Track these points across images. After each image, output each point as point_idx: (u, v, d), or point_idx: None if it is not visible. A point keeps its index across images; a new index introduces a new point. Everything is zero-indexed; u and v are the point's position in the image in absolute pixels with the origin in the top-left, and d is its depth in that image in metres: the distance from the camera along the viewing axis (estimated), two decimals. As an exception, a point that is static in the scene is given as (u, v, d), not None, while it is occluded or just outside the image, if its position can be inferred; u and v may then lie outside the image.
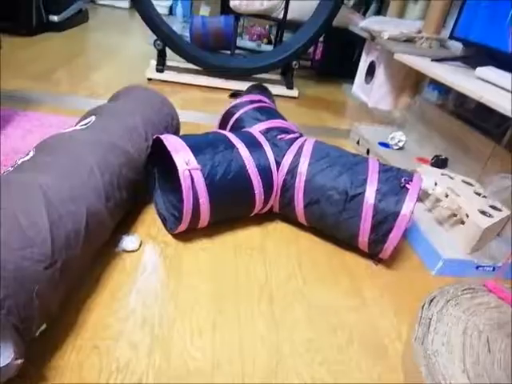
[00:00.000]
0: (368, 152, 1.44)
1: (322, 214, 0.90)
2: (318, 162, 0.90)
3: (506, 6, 1.22)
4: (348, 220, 0.86)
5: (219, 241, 0.91)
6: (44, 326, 0.60)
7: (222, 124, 1.13)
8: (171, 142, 0.83)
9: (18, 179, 0.63)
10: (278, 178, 0.92)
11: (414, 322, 0.73)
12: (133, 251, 0.83)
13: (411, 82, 1.89)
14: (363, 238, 0.86)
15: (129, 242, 0.83)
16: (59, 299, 0.62)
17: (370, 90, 2.05)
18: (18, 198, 0.60)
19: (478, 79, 1.24)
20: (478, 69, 1.25)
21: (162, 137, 0.85)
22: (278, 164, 0.92)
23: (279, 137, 0.96)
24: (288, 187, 0.92)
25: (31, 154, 0.70)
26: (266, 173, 0.90)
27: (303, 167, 0.90)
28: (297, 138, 0.98)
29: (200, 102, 1.77)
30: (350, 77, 2.32)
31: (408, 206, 0.82)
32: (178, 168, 0.79)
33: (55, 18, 2.43)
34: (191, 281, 0.78)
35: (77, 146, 0.73)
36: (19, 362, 0.53)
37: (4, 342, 0.54)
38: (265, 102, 1.14)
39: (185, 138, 0.87)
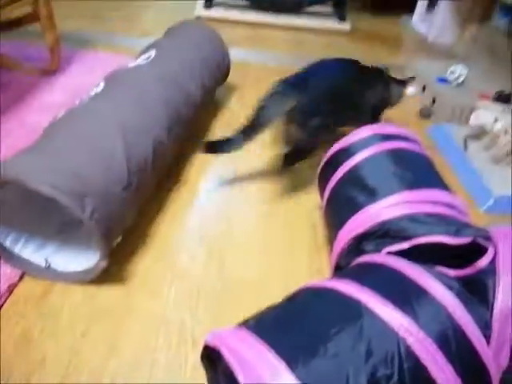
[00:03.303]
0: (424, 89, 1.37)
1: None
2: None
3: None
4: None
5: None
6: (120, 238, 0.71)
7: (324, 176, 0.69)
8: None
9: (95, 108, 0.71)
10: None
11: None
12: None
13: (478, 9, 1.70)
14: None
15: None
16: (133, 216, 0.72)
17: (432, 21, 1.88)
18: (97, 125, 0.68)
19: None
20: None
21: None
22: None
23: None
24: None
25: (102, 85, 0.77)
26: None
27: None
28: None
29: (249, 40, 1.73)
30: (410, 9, 2.11)
31: None
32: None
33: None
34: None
35: (143, 80, 0.80)
36: (104, 263, 0.64)
37: (93, 247, 0.65)
38: (404, 139, 0.65)
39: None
